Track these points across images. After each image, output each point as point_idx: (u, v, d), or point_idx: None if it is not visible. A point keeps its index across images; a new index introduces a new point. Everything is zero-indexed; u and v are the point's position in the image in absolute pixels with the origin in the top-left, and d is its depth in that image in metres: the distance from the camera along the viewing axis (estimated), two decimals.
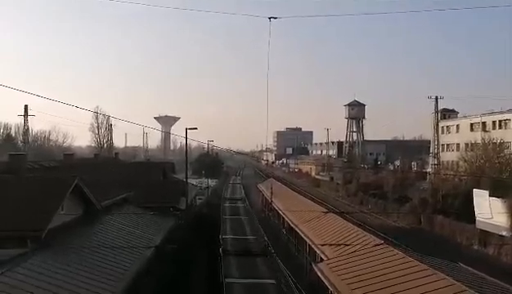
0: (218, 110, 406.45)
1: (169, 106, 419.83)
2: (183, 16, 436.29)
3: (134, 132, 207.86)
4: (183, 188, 37.26)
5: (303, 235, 29.27)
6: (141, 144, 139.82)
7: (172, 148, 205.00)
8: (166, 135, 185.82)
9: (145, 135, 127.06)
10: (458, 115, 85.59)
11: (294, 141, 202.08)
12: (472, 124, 73.19)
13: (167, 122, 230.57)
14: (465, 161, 54.27)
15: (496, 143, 52.71)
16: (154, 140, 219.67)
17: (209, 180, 77.76)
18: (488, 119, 68.62)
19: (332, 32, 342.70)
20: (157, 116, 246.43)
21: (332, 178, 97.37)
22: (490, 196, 38.79)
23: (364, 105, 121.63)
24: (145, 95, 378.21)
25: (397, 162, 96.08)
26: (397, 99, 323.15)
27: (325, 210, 35.62)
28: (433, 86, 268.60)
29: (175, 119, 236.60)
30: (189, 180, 43.15)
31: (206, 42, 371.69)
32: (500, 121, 66.32)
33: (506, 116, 65.24)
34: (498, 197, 38.09)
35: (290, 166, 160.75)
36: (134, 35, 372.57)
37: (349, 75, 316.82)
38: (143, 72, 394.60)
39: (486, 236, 38.68)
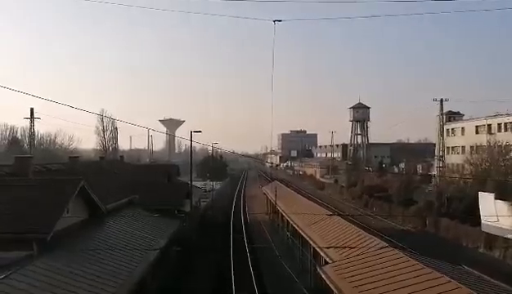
0: (222, 113, 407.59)
1: (172, 109, 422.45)
2: (185, 18, 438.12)
3: (138, 134, 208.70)
4: (188, 190, 37.35)
5: (307, 238, 29.17)
6: (146, 147, 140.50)
7: (176, 150, 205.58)
8: (171, 138, 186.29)
9: (150, 137, 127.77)
10: (463, 118, 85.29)
11: (299, 144, 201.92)
12: (477, 127, 72.90)
13: (171, 124, 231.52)
14: (471, 163, 54.07)
15: (501, 145, 52.54)
16: (159, 143, 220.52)
17: (214, 183, 77.83)
18: (494, 122, 68.32)
19: (336, 34, 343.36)
20: (162, 119, 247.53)
21: (337, 181, 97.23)
22: (495, 199, 38.60)
23: (369, 108, 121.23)
24: (147, 98, 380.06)
25: (402, 165, 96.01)
26: (402, 101, 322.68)
27: (330, 212, 35.46)
28: (439, 89, 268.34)
29: (179, 122, 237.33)
30: (193, 183, 43.16)
31: (208, 44, 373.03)
32: (505, 123, 66.02)
33: None
34: (504, 199, 37.93)
35: (295, 168, 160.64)
36: (134, 35, 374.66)
37: (354, 77, 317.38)
38: (144, 73, 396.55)
39: (491, 239, 38.51)
